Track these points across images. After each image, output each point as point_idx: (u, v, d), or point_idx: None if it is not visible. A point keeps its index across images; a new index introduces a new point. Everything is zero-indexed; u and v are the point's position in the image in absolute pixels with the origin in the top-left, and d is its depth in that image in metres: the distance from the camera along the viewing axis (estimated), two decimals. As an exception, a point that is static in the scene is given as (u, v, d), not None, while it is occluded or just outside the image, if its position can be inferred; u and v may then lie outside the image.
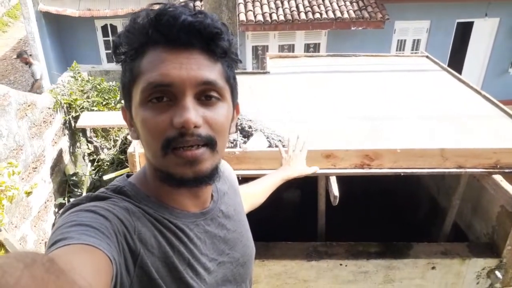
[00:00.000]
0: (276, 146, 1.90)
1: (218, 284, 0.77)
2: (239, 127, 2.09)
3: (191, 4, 0.67)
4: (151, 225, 0.68)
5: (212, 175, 0.70)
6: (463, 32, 8.67)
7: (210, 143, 0.67)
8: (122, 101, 0.75)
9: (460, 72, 7.28)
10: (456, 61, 8.54)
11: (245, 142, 1.97)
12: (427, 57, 3.24)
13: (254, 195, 1.19)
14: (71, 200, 3.85)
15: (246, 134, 2.04)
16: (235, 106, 0.78)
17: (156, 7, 0.65)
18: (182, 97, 0.64)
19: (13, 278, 0.34)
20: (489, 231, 2.01)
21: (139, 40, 0.66)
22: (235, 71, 0.74)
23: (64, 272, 0.39)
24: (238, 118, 2.15)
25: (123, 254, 0.61)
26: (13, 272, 0.35)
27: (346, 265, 1.92)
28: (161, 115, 0.64)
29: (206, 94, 0.67)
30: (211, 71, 0.67)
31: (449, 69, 2.87)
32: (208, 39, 0.66)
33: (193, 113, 0.63)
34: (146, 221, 0.67)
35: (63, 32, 8.51)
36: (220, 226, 0.80)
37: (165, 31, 0.64)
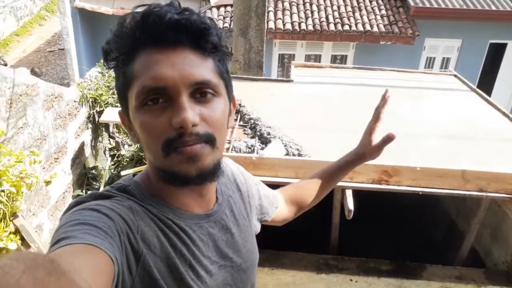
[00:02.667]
0: (294, 155, 1.89)
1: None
2: (258, 133, 2.09)
3: (176, 2, 0.66)
4: (154, 225, 0.68)
5: (214, 171, 0.69)
6: (496, 53, 8.47)
7: (210, 140, 0.67)
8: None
9: (489, 94, 7.11)
10: (486, 83, 8.34)
11: (262, 149, 1.96)
12: (455, 76, 3.17)
13: (303, 199, 1.11)
14: (89, 192, 3.90)
15: (265, 141, 2.04)
16: (231, 99, 0.77)
17: (140, 9, 0.65)
18: (177, 98, 0.64)
19: (14, 279, 0.34)
20: (508, 259, 1.94)
21: (128, 44, 0.65)
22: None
23: (64, 273, 0.40)
24: (257, 124, 2.15)
25: (125, 254, 0.61)
26: (14, 273, 0.35)
27: (356, 281, 1.88)
28: (158, 117, 0.64)
29: (201, 91, 0.66)
30: (204, 69, 0.66)
31: (477, 89, 2.81)
32: (196, 35, 0.65)
33: (190, 112, 0.63)
34: (149, 221, 0.67)
35: (96, 28, 8.72)
36: (223, 229, 0.79)
37: (152, 31, 0.63)
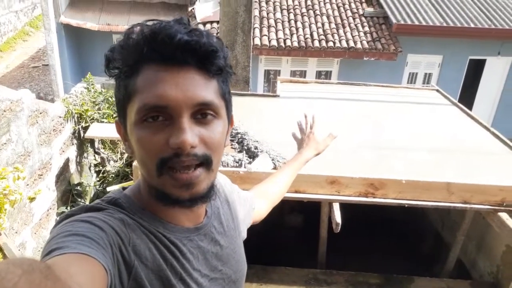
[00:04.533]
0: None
1: None
2: (245, 147, 2.10)
3: (185, 19, 0.66)
4: (145, 237, 0.67)
5: (208, 194, 0.69)
6: (475, 69, 8.71)
7: (206, 162, 0.67)
8: None
9: (470, 108, 7.27)
10: (467, 97, 8.54)
11: (250, 163, 1.97)
12: (437, 90, 3.25)
13: (272, 193, 1.18)
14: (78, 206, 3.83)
15: (252, 155, 2.04)
16: (230, 118, 0.78)
17: (150, 23, 0.65)
18: (178, 118, 0.63)
19: (10, 283, 0.34)
20: (494, 270, 1.97)
21: (134, 57, 0.65)
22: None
23: (60, 279, 0.40)
24: (245, 138, 2.16)
25: (117, 266, 0.60)
26: (11, 278, 0.35)
27: (344, 295, 1.88)
28: (156, 135, 0.64)
29: (202, 112, 0.66)
30: (207, 90, 0.66)
31: (459, 104, 2.88)
32: (204, 58, 0.65)
33: (189, 133, 0.63)
34: (140, 233, 0.67)
35: (81, 44, 8.68)
36: (213, 242, 0.80)
37: (160, 50, 0.63)
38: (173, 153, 0.63)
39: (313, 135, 1.38)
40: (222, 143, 0.71)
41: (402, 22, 7.81)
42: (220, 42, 0.68)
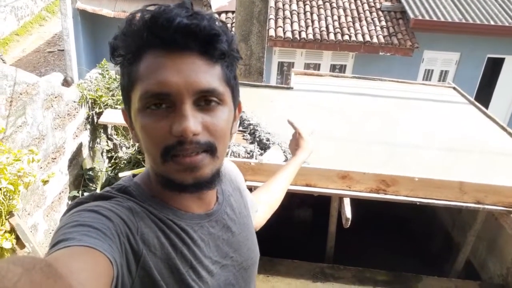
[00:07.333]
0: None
1: None
2: (257, 139, 2.09)
3: (187, 2, 0.64)
4: (154, 225, 0.67)
5: (212, 180, 0.68)
6: (493, 68, 8.54)
7: (210, 149, 0.66)
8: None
9: (487, 108, 7.15)
10: (484, 96, 8.39)
11: (261, 154, 1.97)
12: (454, 88, 3.20)
13: (271, 200, 1.14)
14: (85, 193, 3.89)
15: (264, 147, 2.04)
16: (237, 105, 0.76)
17: (152, 8, 0.64)
18: (180, 105, 0.63)
19: (11, 282, 0.34)
20: (503, 273, 1.95)
21: (136, 44, 0.64)
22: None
23: (61, 277, 0.40)
24: (257, 130, 2.15)
25: (125, 255, 0.60)
26: (11, 277, 0.35)
27: (351, 290, 1.88)
28: (160, 122, 0.63)
29: (205, 99, 0.65)
30: (210, 77, 0.65)
31: (476, 102, 2.83)
32: (205, 42, 0.64)
33: (192, 121, 0.62)
34: (149, 222, 0.67)
35: (96, 30, 8.74)
36: (224, 228, 0.79)
37: (160, 34, 0.62)
38: (177, 141, 0.63)
39: (300, 135, 1.31)
40: (227, 130, 0.70)
41: (420, 18, 7.68)
42: (224, 26, 0.66)
